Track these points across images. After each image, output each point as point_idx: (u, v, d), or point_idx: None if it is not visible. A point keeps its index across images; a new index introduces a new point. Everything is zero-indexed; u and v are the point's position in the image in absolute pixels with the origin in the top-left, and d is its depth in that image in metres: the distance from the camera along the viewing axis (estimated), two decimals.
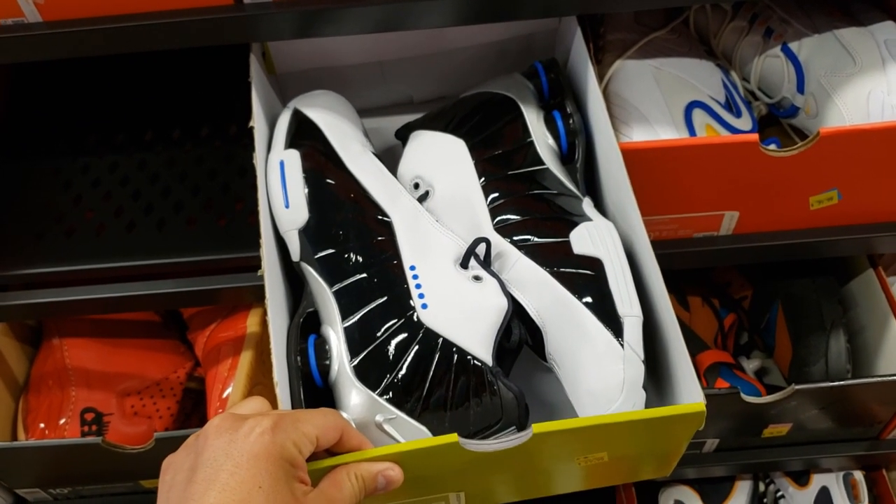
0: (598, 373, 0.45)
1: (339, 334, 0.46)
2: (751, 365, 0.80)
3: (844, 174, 0.60)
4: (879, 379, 0.66)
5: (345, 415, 0.44)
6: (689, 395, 0.44)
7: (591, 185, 0.57)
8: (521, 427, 0.46)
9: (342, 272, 0.48)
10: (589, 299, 0.46)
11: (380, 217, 0.50)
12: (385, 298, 0.46)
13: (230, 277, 0.61)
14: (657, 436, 0.45)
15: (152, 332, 0.78)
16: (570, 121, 0.56)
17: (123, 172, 0.65)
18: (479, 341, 0.46)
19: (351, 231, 0.49)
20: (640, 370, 0.45)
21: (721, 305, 0.83)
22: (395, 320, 0.45)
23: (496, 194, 0.52)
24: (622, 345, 0.45)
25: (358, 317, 0.46)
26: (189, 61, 0.71)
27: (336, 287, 0.47)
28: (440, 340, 0.45)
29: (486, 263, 0.49)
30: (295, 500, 0.36)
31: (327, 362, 0.46)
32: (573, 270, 0.47)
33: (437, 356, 0.45)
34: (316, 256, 0.49)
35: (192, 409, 0.80)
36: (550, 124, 0.56)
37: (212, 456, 0.36)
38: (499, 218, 0.51)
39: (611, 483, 0.53)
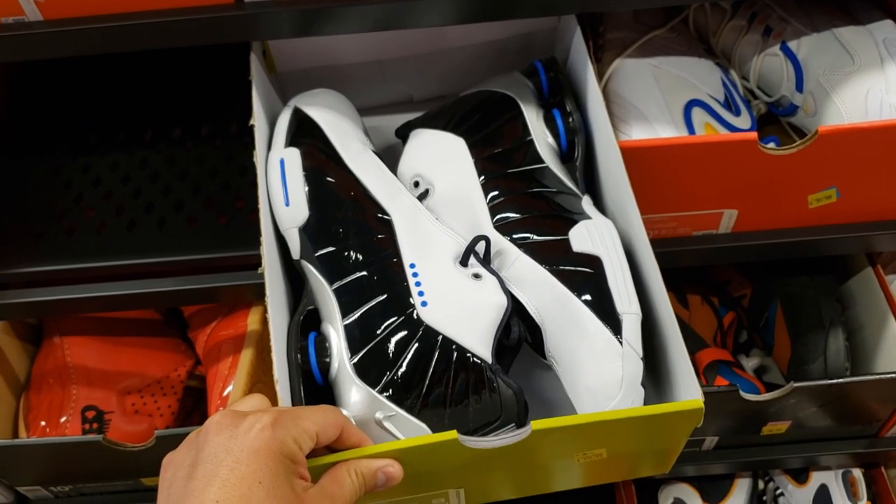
0: (597, 370, 0.45)
1: (339, 332, 0.46)
2: (750, 363, 0.81)
3: (843, 172, 0.60)
4: (878, 377, 0.66)
5: (345, 412, 0.44)
6: (688, 392, 0.44)
7: (591, 183, 0.57)
8: (521, 424, 0.46)
9: (342, 270, 0.48)
10: (588, 297, 0.46)
11: (380, 215, 0.50)
12: (385, 296, 0.46)
13: (230, 276, 0.61)
14: (656, 433, 0.45)
15: (153, 330, 0.78)
16: (570, 119, 0.56)
17: (124, 171, 0.65)
18: (478, 339, 0.46)
19: (351, 229, 0.49)
20: (638, 367, 0.45)
21: (720, 304, 0.83)
22: (395, 318, 0.46)
23: (496, 192, 0.52)
24: (621, 342, 0.45)
25: (358, 314, 0.46)
26: (189, 60, 0.72)
27: (336, 285, 0.47)
28: (440, 338, 0.45)
29: (485, 261, 0.49)
30: (295, 495, 0.36)
31: (327, 360, 0.46)
32: (572, 268, 0.48)
33: (436, 354, 0.45)
34: (316, 254, 0.49)
35: (193, 407, 0.80)
36: (550, 123, 0.56)
37: (212, 452, 0.36)
38: (498, 216, 0.51)
39: (610, 480, 0.53)
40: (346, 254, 0.48)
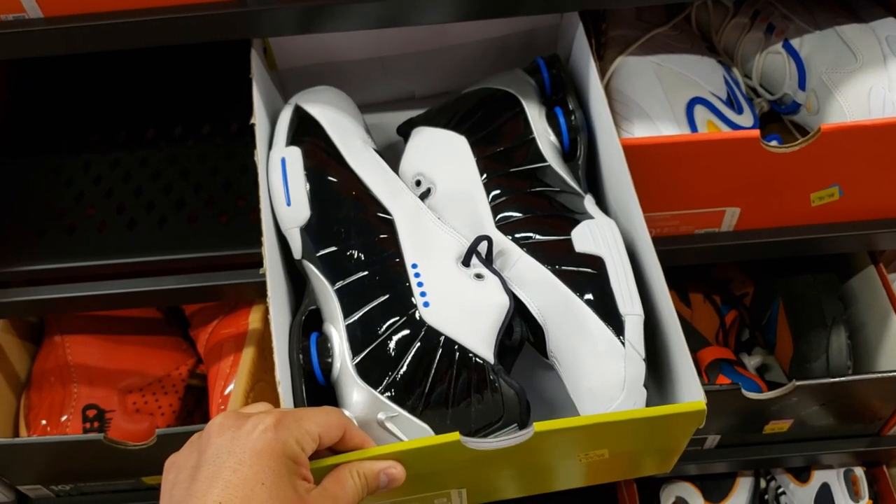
0: (600, 371, 0.45)
1: (341, 332, 0.46)
2: (752, 361, 0.81)
3: (845, 170, 0.60)
4: (880, 375, 0.66)
5: (347, 413, 0.44)
6: (690, 393, 0.44)
7: (593, 181, 0.57)
8: (523, 425, 0.46)
9: (344, 270, 0.48)
10: (590, 297, 0.46)
11: (381, 214, 0.50)
12: (387, 296, 0.46)
13: (232, 274, 0.61)
14: (658, 433, 0.45)
15: (154, 328, 0.78)
16: (572, 117, 0.56)
17: (125, 169, 0.65)
18: (480, 339, 0.46)
19: (353, 229, 0.49)
20: (641, 368, 0.45)
21: (722, 302, 0.83)
22: (397, 318, 0.46)
23: (498, 191, 0.52)
24: (623, 343, 0.45)
25: (360, 315, 0.46)
26: (190, 58, 0.71)
27: (338, 285, 0.47)
28: (442, 338, 0.45)
29: (487, 261, 0.49)
30: (298, 496, 0.36)
31: (329, 360, 0.46)
32: (575, 268, 0.47)
33: (438, 354, 0.45)
34: (318, 254, 0.49)
35: (194, 405, 0.80)
36: (552, 120, 0.56)
37: (214, 453, 0.36)
38: (500, 215, 0.51)
39: (612, 479, 0.53)
40: (348, 254, 0.48)
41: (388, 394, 0.44)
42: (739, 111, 0.62)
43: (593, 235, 0.49)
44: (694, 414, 0.42)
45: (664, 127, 0.59)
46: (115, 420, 0.72)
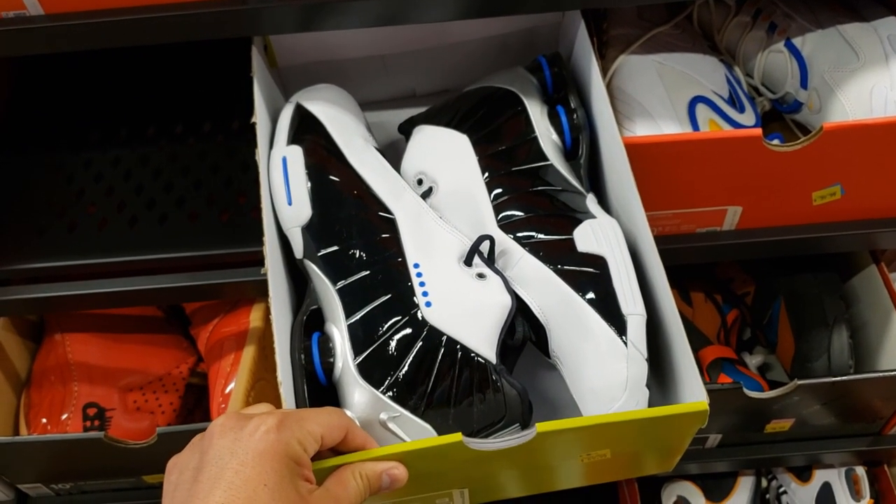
0: (602, 371, 0.45)
1: (342, 332, 0.46)
2: (753, 360, 0.80)
3: (847, 169, 0.59)
4: (882, 374, 0.66)
5: (349, 413, 0.44)
6: (692, 393, 0.44)
7: (595, 180, 0.57)
8: (525, 424, 0.46)
9: (346, 270, 0.48)
10: (592, 297, 0.46)
11: (383, 214, 0.50)
12: (389, 296, 0.46)
13: (233, 272, 0.61)
14: (660, 434, 0.45)
15: (155, 327, 0.78)
16: (574, 116, 0.55)
17: (126, 167, 0.65)
18: (482, 339, 0.46)
19: (354, 228, 0.49)
20: (643, 369, 0.45)
21: (724, 301, 0.83)
22: (399, 318, 0.45)
23: (500, 190, 0.52)
24: (626, 343, 0.45)
25: (361, 314, 0.46)
26: (191, 56, 0.71)
27: (339, 284, 0.47)
28: (444, 338, 0.45)
29: (489, 261, 0.49)
30: (300, 497, 0.36)
31: (331, 360, 0.46)
32: (577, 268, 0.47)
33: (440, 354, 0.45)
34: (319, 254, 0.49)
35: (195, 404, 0.80)
36: (554, 119, 0.56)
37: (217, 454, 0.36)
38: (503, 214, 0.51)
39: (613, 478, 0.53)
40: (350, 253, 0.48)
41: (390, 394, 0.44)
42: (741, 110, 0.62)
43: (595, 235, 0.49)
44: (696, 414, 0.42)
45: (666, 126, 0.59)
46: (116, 418, 0.72)
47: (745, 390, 0.66)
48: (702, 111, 0.60)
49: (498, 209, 0.51)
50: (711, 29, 0.69)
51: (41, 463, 0.68)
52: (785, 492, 0.84)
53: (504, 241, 0.50)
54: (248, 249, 0.59)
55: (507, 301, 0.47)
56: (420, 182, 0.55)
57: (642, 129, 0.60)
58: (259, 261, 0.49)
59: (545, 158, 0.53)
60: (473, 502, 0.49)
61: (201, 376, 0.78)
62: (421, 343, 0.45)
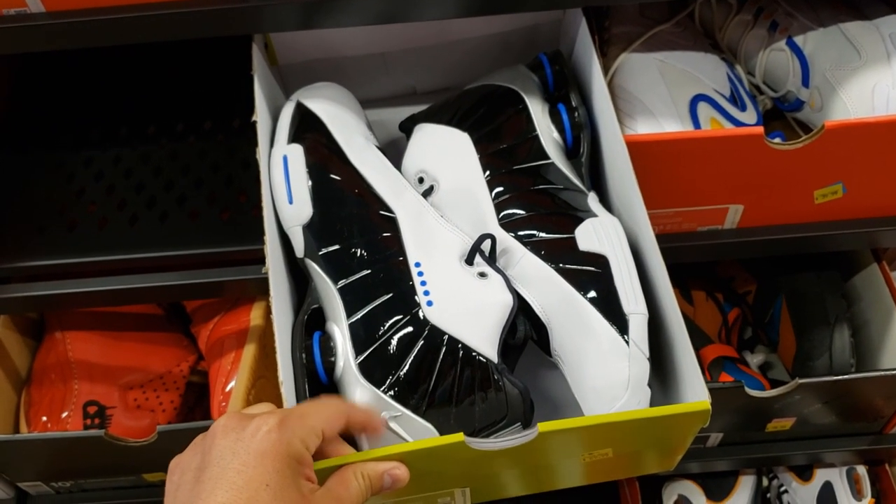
0: (603, 370, 0.45)
1: (344, 331, 0.46)
2: (755, 359, 0.80)
3: (849, 168, 0.59)
4: (883, 373, 0.66)
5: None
6: (694, 392, 0.44)
7: (596, 178, 0.57)
8: (527, 424, 0.46)
9: (347, 269, 0.48)
10: (594, 296, 0.46)
11: (384, 213, 0.50)
12: (390, 295, 0.46)
13: (233, 270, 0.61)
14: (662, 433, 0.45)
15: (155, 325, 0.78)
16: (575, 114, 0.55)
17: (126, 166, 0.65)
18: (484, 338, 0.46)
19: (355, 227, 0.49)
20: (645, 368, 0.45)
21: (725, 300, 0.83)
22: (401, 317, 0.45)
23: (501, 189, 0.52)
24: (627, 342, 0.45)
25: (363, 313, 0.46)
26: (192, 54, 0.71)
27: (341, 284, 0.47)
28: (445, 337, 0.45)
29: (491, 260, 0.49)
30: (302, 497, 0.36)
31: (332, 359, 0.46)
32: (578, 267, 0.47)
33: (442, 353, 0.45)
34: (320, 253, 0.48)
35: (196, 402, 0.80)
36: (555, 117, 0.56)
37: (219, 454, 0.36)
38: (504, 213, 0.51)
39: (614, 477, 0.53)
40: (351, 252, 0.48)
41: (392, 393, 0.44)
42: (743, 108, 0.62)
43: (597, 234, 0.49)
44: (698, 413, 0.42)
45: (667, 124, 0.59)
46: (116, 416, 0.72)
47: (747, 389, 0.66)
48: (703, 109, 0.60)
49: (499, 208, 0.51)
50: (713, 27, 0.69)
51: (41, 461, 0.68)
52: (786, 491, 0.84)
53: (505, 239, 0.50)
54: (248, 247, 0.59)
55: (508, 300, 0.47)
56: (421, 180, 0.54)
57: (643, 128, 0.60)
58: (260, 258, 0.49)
59: (546, 157, 0.53)
60: (475, 501, 0.49)
61: (202, 374, 0.78)
62: (422, 342, 0.45)
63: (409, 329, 0.45)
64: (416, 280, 0.47)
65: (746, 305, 0.84)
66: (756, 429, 0.74)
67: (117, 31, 0.50)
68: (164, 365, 0.76)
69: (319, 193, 0.50)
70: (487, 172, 0.53)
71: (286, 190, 0.50)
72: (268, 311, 0.62)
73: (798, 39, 0.62)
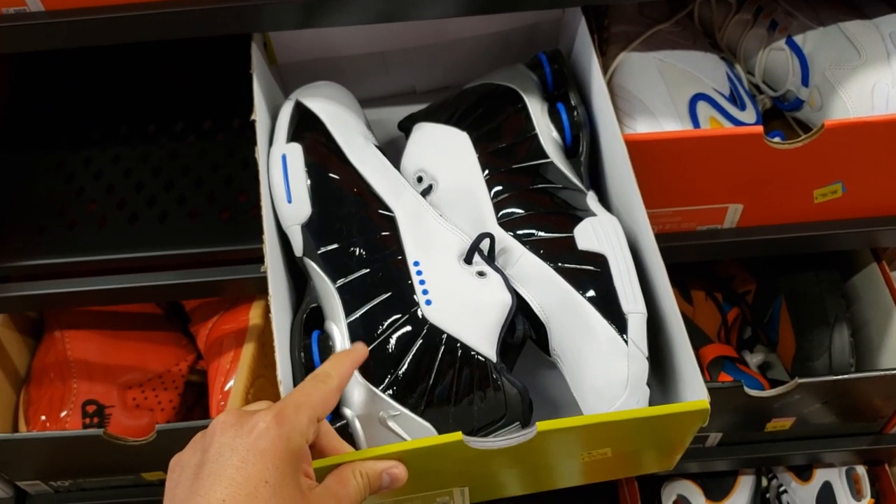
0: (602, 369, 0.45)
1: (342, 330, 0.46)
2: (754, 359, 0.80)
3: (849, 167, 0.59)
4: (883, 373, 0.66)
5: (348, 411, 0.44)
6: (693, 392, 0.44)
7: (595, 177, 0.57)
8: (525, 423, 0.46)
9: (345, 268, 0.48)
10: (593, 295, 0.46)
11: (383, 212, 0.50)
12: (389, 294, 0.46)
13: (233, 269, 0.61)
14: (661, 432, 0.45)
15: (154, 324, 0.78)
16: (575, 113, 0.55)
17: (126, 165, 0.65)
18: (483, 337, 0.46)
19: (354, 226, 0.49)
20: (644, 367, 0.45)
21: (724, 299, 0.83)
22: (399, 316, 0.45)
23: (500, 188, 0.52)
24: (626, 341, 0.45)
25: (361, 313, 0.46)
26: (191, 53, 0.71)
27: (339, 283, 0.47)
28: (444, 336, 0.45)
29: (490, 259, 0.49)
30: (301, 494, 0.36)
31: None
32: (577, 266, 0.47)
33: (440, 352, 0.45)
34: (319, 252, 0.48)
35: (194, 401, 0.80)
36: (554, 116, 0.56)
37: (218, 451, 0.36)
38: (503, 212, 0.51)
39: (614, 477, 0.53)
40: (350, 251, 0.48)
41: (390, 392, 0.44)
42: (742, 107, 0.62)
43: (596, 233, 0.49)
44: (697, 413, 0.42)
45: (667, 123, 0.59)
46: (115, 416, 0.72)
47: (746, 389, 0.66)
48: (703, 109, 0.60)
49: (498, 207, 0.51)
50: (712, 26, 0.69)
51: (40, 460, 0.68)
52: (785, 491, 0.84)
53: (504, 238, 0.50)
54: (247, 247, 0.59)
55: (507, 299, 0.47)
56: (420, 179, 0.54)
57: (643, 127, 0.60)
58: (259, 258, 0.49)
59: (545, 156, 0.53)
60: (474, 500, 0.49)
61: (201, 374, 0.78)
62: (421, 341, 0.45)
63: (408, 328, 0.45)
64: (415, 279, 0.47)
65: (746, 305, 0.84)
66: (755, 429, 0.74)
67: (116, 30, 0.50)
68: (163, 364, 0.76)
69: (318, 192, 0.50)
70: (486, 171, 0.53)
71: (285, 189, 0.50)
72: (266, 311, 0.62)
73: (798, 38, 0.62)
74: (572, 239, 0.49)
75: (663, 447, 0.48)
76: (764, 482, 0.85)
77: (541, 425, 0.41)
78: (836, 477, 0.80)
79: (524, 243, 0.49)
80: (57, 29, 0.50)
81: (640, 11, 0.67)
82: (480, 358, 0.45)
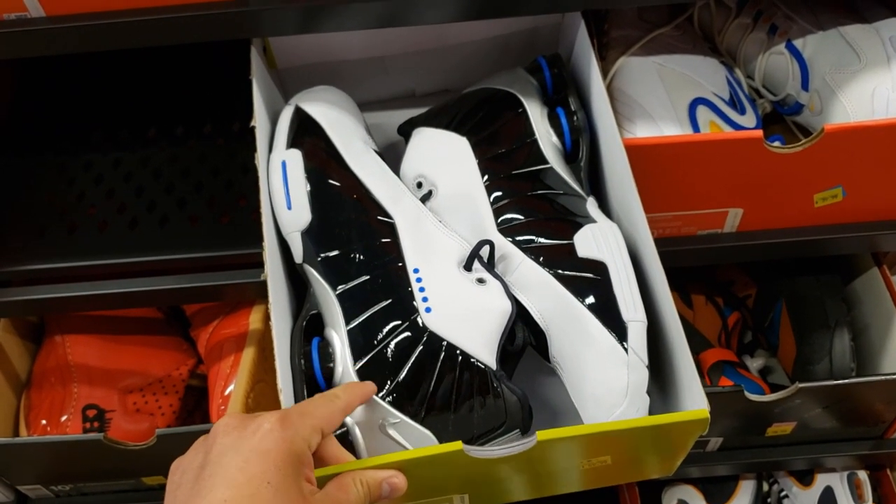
0: (602, 377, 0.45)
1: (342, 337, 0.46)
2: (754, 363, 0.80)
3: (849, 171, 0.59)
4: (883, 377, 0.66)
5: (348, 419, 0.44)
6: (693, 400, 0.44)
7: (595, 182, 0.57)
8: (525, 430, 0.46)
9: (345, 274, 0.48)
10: (593, 303, 0.46)
11: (382, 218, 0.50)
12: (389, 301, 0.46)
13: (233, 274, 0.61)
14: (661, 440, 0.45)
15: (155, 329, 0.78)
16: (574, 118, 0.55)
17: (126, 169, 0.65)
18: (482, 344, 0.45)
19: (354, 233, 0.49)
20: (644, 375, 0.45)
21: (725, 304, 0.83)
22: (399, 323, 0.45)
23: (499, 193, 0.52)
24: (626, 350, 0.45)
25: (361, 320, 0.46)
26: (192, 58, 0.71)
27: (339, 289, 0.47)
28: (444, 344, 0.45)
29: (489, 266, 0.49)
30: (303, 498, 0.36)
31: (331, 365, 0.45)
32: (577, 273, 0.47)
33: (440, 359, 0.44)
34: (319, 258, 0.48)
35: (195, 406, 0.79)
36: (554, 121, 0.55)
37: (220, 452, 0.36)
38: (502, 218, 0.51)
39: (614, 483, 0.53)
40: (350, 258, 0.48)
41: (390, 399, 0.44)
42: (742, 112, 0.62)
43: (596, 240, 0.48)
44: (697, 422, 0.42)
45: (666, 127, 0.59)
46: (116, 420, 0.72)
47: (747, 393, 0.65)
48: (702, 113, 0.60)
49: (498, 213, 0.51)
50: (712, 30, 0.69)
51: (41, 464, 0.68)
52: (787, 496, 0.83)
53: (504, 245, 0.50)
54: (247, 251, 0.59)
55: (507, 306, 0.47)
56: (419, 185, 0.54)
57: (643, 131, 0.60)
58: (259, 263, 0.49)
59: (545, 161, 0.53)
60: None
61: (201, 378, 0.78)
62: (421, 348, 0.45)
63: (408, 335, 0.45)
64: (415, 286, 0.47)
65: (746, 309, 0.84)
66: (756, 433, 0.73)
67: (117, 36, 0.50)
68: (164, 368, 0.76)
69: (318, 199, 0.50)
70: (486, 177, 0.52)
71: (285, 195, 0.50)
72: (267, 316, 0.62)
73: (797, 43, 0.62)
74: (572, 246, 0.48)
75: (663, 454, 0.47)
76: (765, 487, 0.85)
77: (541, 434, 0.41)
78: (837, 482, 0.80)
79: (524, 250, 0.49)
80: (58, 34, 0.50)
81: (640, 16, 0.67)
82: (480, 365, 0.45)
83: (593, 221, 0.50)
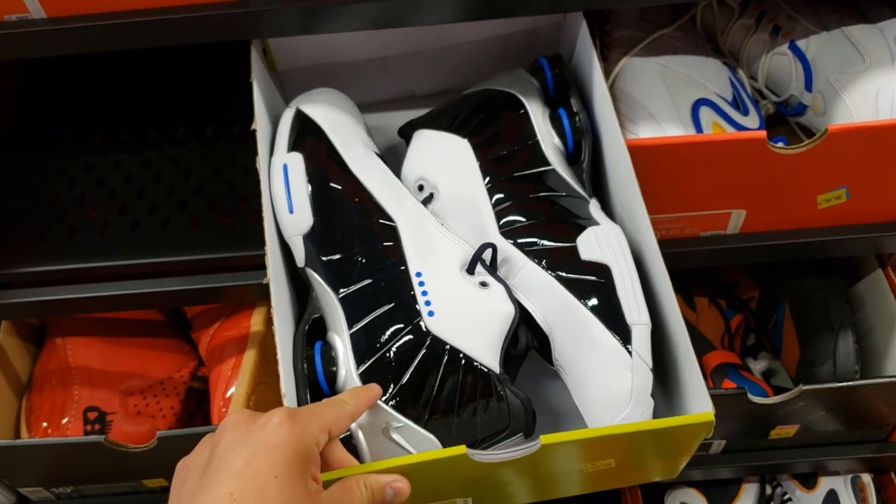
0: (606, 381, 0.45)
1: (345, 341, 0.46)
2: (758, 366, 0.80)
3: (853, 172, 0.59)
4: (888, 380, 0.66)
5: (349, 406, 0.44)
6: (697, 403, 0.43)
7: (597, 183, 0.57)
8: (529, 434, 0.46)
9: (348, 278, 0.47)
10: (596, 306, 0.46)
11: (384, 221, 0.49)
12: (391, 305, 0.46)
13: (234, 276, 0.61)
14: (665, 444, 0.45)
15: (156, 331, 0.78)
16: (576, 119, 0.55)
17: (128, 171, 0.65)
18: (485, 348, 0.45)
19: (356, 236, 0.49)
20: (648, 379, 0.45)
21: (728, 306, 0.82)
22: (402, 327, 0.45)
23: (501, 196, 0.51)
24: (630, 353, 0.45)
25: (364, 323, 0.46)
26: (193, 59, 0.71)
27: (342, 293, 0.47)
28: (447, 347, 0.45)
29: (492, 269, 0.49)
30: (308, 495, 0.36)
31: (334, 369, 0.45)
32: (580, 276, 0.47)
33: (443, 363, 0.44)
34: (321, 262, 0.48)
35: (196, 408, 0.79)
36: (556, 122, 0.55)
37: (227, 446, 0.36)
38: (504, 220, 0.50)
39: (618, 486, 0.53)
40: (352, 262, 0.48)
41: (393, 403, 0.44)
42: (745, 112, 0.62)
43: (599, 243, 0.48)
44: (702, 425, 0.42)
45: (669, 128, 0.59)
46: (116, 422, 0.72)
47: (750, 396, 0.65)
48: (705, 114, 0.60)
49: (500, 215, 0.51)
50: (715, 31, 0.68)
51: (42, 466, 0.68)
52: (790, 499, 0.83)
53: (506, 248, 0.50)
54: (249, 253, 0.59)
55: (510, 310, 0.46)
56: (421, 188, 0.54)
57: (645, 132, 0.59)
58: (260, 265, 0.49)
59: (547, 163, 0.53)
60: None
61: (202, 380, 0.78)
62: (424, 352, 0.44)
63: (411, 339, 0.45)
64: (417, 290, 0.47)
65: (749, 311, 0.84)
66: (759, 436, 0.73)
67: (117, 37, 0.50)
68: (165, 371, 0.76)
69: (320, 202, 0.50)
70: (487, 179, 0.52)
71: (286, 199, 0.50)
72: (268, 319, 0.62)
73: (801, 43, 0.62)
74: (575, 248, 0.48)
75: (667, 457, 0.47)
76: (768, 490, 0.85)
77: (544, 439, 0.40)
78: (841, 485, 0.79)
79: (526, 252, 0.49)
80: (59, 36, 0.50)
81: (642, 16, 0.66)
82: (483, 369, 0.45)
83: (596, 223, 0.50)
